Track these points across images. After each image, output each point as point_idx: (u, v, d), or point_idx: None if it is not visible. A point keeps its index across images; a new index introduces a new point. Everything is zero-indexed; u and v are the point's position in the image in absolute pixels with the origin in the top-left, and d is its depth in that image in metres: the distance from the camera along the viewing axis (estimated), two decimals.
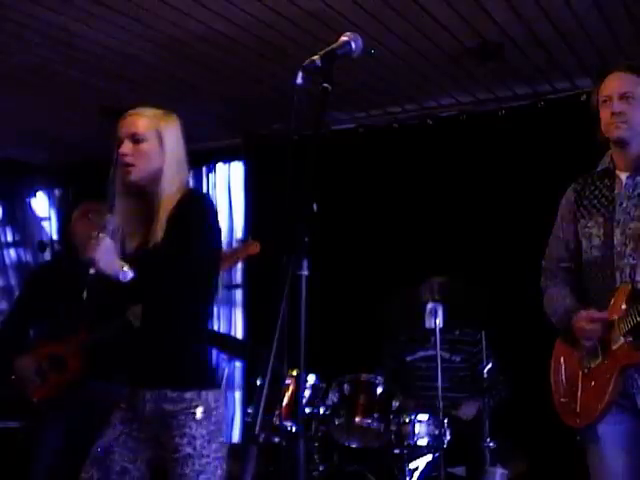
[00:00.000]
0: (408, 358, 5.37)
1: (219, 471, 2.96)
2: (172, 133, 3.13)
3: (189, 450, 2.92)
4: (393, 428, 4.58)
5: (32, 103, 6.05)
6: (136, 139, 3.06)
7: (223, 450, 3.02)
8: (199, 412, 2.94)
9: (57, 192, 7.96)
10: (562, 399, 3.45)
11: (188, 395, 2.96)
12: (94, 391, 4.53)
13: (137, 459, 3.04)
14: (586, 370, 3.32)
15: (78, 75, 5.47)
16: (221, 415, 3.03)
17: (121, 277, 2.88)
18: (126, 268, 2.88)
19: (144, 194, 3.11)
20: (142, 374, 3.06)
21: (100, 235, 2.91)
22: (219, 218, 3.12)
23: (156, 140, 3.08)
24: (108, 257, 2.90)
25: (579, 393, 3.34)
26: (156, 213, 3.07)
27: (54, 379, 4.58)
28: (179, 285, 2.96)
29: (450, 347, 5.23)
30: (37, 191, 7.99)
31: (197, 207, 3.06)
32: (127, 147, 3.05)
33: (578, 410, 3.33)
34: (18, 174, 7.73)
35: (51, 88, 5.73)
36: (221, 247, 3.17)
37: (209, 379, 3.06)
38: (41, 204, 8.01)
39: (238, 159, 6.98)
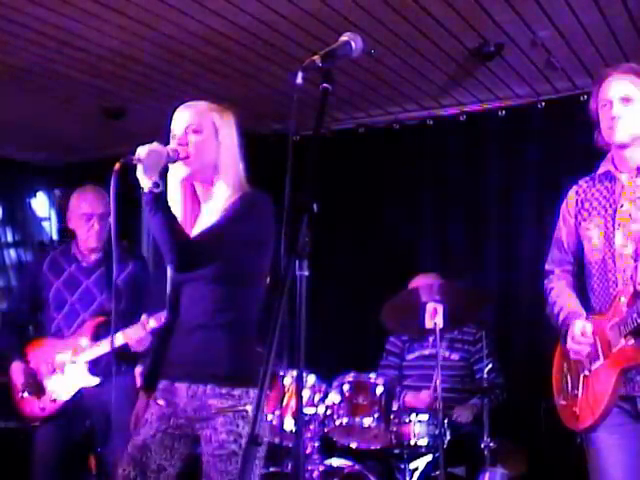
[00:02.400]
0: (408, 357, 5.38)
1: (257, 470, 2.94)
2: (228, 126, 3.14)
3: (234, 447, 2.90)
4: (393, 428, 4.57)
5: (32, 103, 6.04)
6: (192, 130, 3.07)
7: (264, 449, 3.00)
8: (248, 410, 2.91)
9: (57, 192, 7.95)
10: (563, 401, 3.44)
11: (237, 392, 2.94)
12: (92, 392, 4.52)
13: (173, 456, 3.04)
14: (587, 372, 3.31)
15: (78, 75, 5.46)
16: (266, 414, 3.01)
17: (152, 185, 2.88)
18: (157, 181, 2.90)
19: (199, 185, 3.14)
20: (189, 369, 3.03)
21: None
22: (264, 217, 3.07)
23: (212, 131, 3.09)
24: (154, 158, 2.91)
25: (579, 396, 3.33)
26: (207, 204, 3.11)
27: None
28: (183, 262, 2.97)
29: (449, 345, 5.23)
30: (37, 191, 7.98)
31: (238, 202, 3.04)
32: (184, 138, 3.06)
33: (578, 413, 3.32)
34: (18, 174, 7.73)
35: (51, 88, 5.72)
36: (257, 245, 3.07)
37: (257, 378, 2.98)
38: (41, 204, 8.00)
39: None
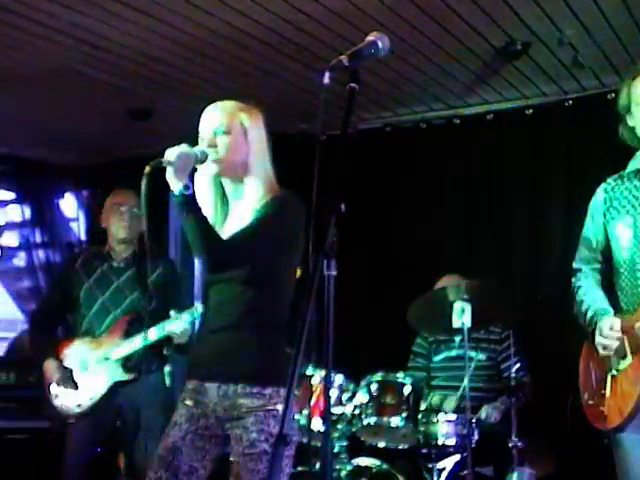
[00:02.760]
0: (435, 359, 5.36)
1: (287, 469, 2.94)
2: (256, 126, 3.14)
3: (265, 446, 2.90)
4: (421, 428, 4.57)
5: (59, 104, 6.08)
6: (221, 131, 3.07)
7: (294, 448, 3.02)
8: (279, 409, 2.90)
9: (85, 193, 8.01)
10: (590, 401, 3.42)
11: (268, 391, 2.94)
12: (123, 390, 4.55)
13: (205, 457, 3.04)
14: (614, 372, 3.29)
15: (103, 76, 5.49)
16: (295, 413, 3.02)
17: (182, 188, 2.88)
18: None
19: (228, 183, 3.15)
20: (220, 369, 3.03)
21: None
22: (297, 219, 3.07)
23: (241, 132, 3.09)
24: (183, 160, 2.91)
25: (607, 395, 3.31)
26: (238, 203, 3.12)
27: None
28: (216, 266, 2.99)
29: (475, 345, 5.20)
30: (65, 192, 8.03)
31: (270, 204, 3.04)
32: (212, 139, 3.06)
33: (606, 413, 3.30)
34: (46, 175, 7.78)
35: (77, 89, 5.74)
36: (286, 246, 3.07)
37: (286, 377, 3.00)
38: (69, 205, 8.05)
39: None
